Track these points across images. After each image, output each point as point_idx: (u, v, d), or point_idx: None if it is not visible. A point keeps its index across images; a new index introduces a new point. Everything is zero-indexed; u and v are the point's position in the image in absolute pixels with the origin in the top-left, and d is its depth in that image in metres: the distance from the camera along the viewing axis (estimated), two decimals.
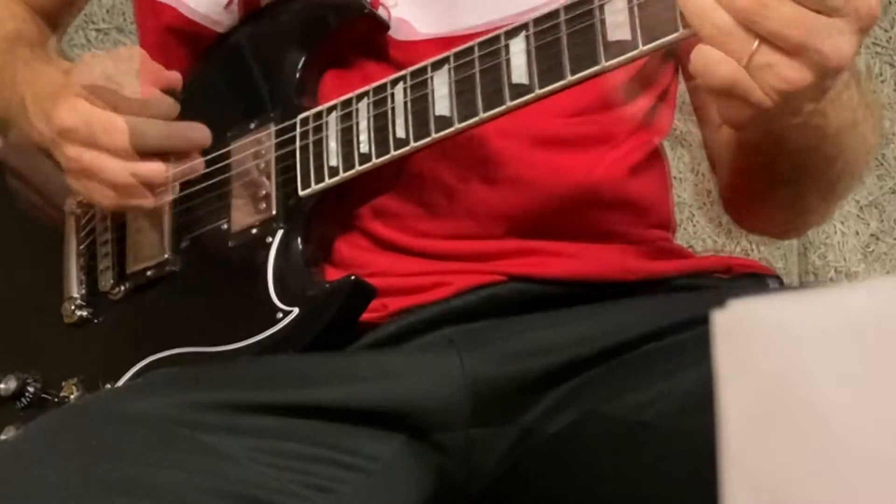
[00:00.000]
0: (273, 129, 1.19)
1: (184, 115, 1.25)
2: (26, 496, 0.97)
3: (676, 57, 1.28)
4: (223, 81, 1.26)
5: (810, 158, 1.10)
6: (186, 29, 1.24)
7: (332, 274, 1.16)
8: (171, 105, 1.18)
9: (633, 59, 1.01)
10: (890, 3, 2.28)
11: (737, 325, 0.55)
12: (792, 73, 0.94)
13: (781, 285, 1.24)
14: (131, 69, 1.18)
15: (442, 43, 1.16)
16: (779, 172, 1.14)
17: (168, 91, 1.23)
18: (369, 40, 1.18)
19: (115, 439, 1.01)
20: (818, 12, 0.93)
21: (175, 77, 1.19)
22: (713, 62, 0.95)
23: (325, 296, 1.12)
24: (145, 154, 1.16)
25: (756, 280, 1.22)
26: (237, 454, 1.02)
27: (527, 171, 1.18)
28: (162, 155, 1.17)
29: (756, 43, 0.94)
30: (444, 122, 1.08)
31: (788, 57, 0.94)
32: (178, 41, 1.27)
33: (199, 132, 1.18)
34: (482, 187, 1.18)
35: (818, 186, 1.17)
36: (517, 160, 1.18)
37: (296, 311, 1.13)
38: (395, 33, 1.18)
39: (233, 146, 1.21)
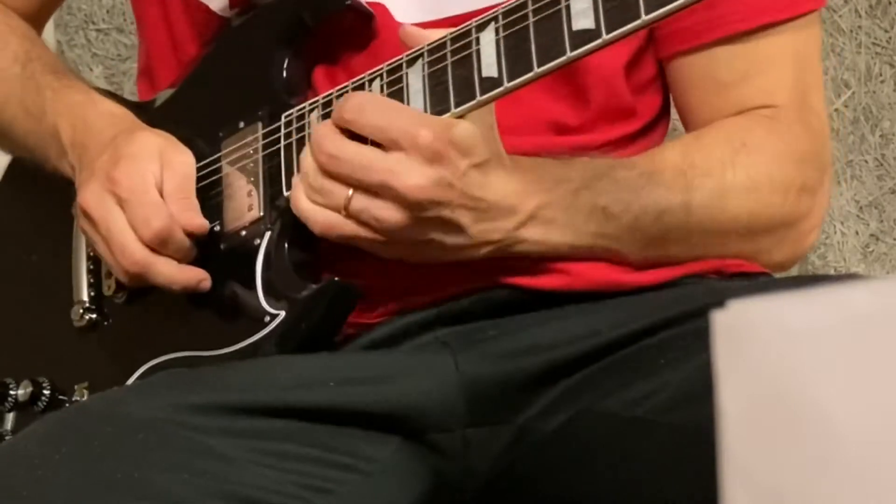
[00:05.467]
0: (260, 128, 1.18)
1: (179, 117, 1.25)
2: (27, 497, 0.98)
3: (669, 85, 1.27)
4: (215, 80, 1.26)
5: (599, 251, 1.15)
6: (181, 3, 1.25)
7: (321, 275, 1.16)
8: (186, 250, 1.16)
9: (597, 48, 1.01)
10: (890, 3, 2.28)
11: (736, 325, 0.55)
12: (383, 212, 1.05)
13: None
14: (173, 186, 1.16)
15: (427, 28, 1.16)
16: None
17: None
18: (357, 33, 1.18)
19: (115, 441, 1.01)
20: (386, 149, 1.04)
21: (202, 229, 1.17)
22: (311, 213, 1.08)
23: (310, 298, 1.12)
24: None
25: (749, 279, 1.21)
26: (236, 456, 1.02)
27: None
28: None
29: (351, 191, 1.05)
30: None
31: (378, 198, 1.05)
32: (180, 11, 1.27)
33: (203, 285, 1.17)
34: None
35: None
36: None
37: (282, 314, 1.13)
38: (381, 24, 1.18)
39: (223, 146, 1.20)
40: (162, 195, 1.16)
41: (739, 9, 1.18)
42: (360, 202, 1.06)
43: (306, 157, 1.09)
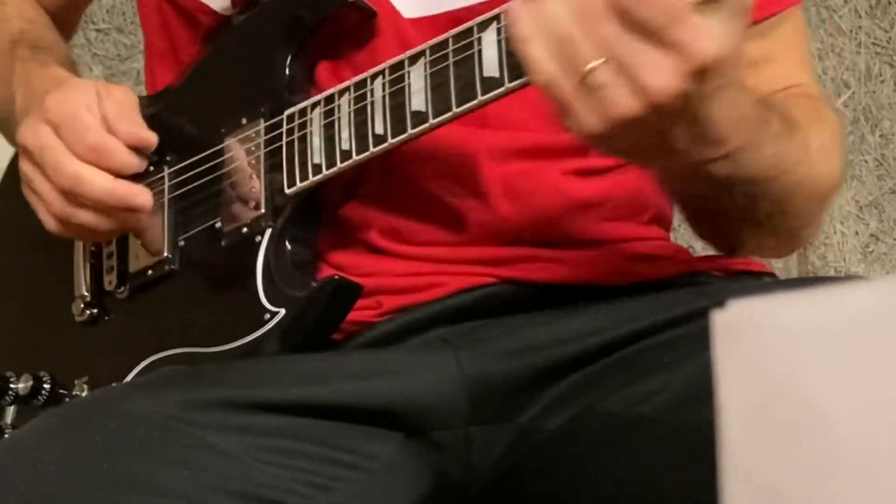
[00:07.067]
0: (262, 125, 1.18)
1: (181, 112, 1.25)
2: (28, 492, 0.98)
3: None
4: (218, 77, 1.26)
5: (721, 201, 1.09)
6: (182, 4, 1.25)
7: (323, 273, 1.16)
8: (130, 163, 1.18)
9: None
10: (890, 3, 2.28)
11: (736, 325, 0.55)
12: (620, 98, 0.91)
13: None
14: (115, 110, 1.17)
15: (429, 23, 1.16)
16: (693, 209, 1.15)
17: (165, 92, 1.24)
18: (360, 29, 1.19)
19: (117, 436, 1.02)
20: (648, 35, 0.90)
21: (149, 141, 1.19)
22: (540, 61, 0.93)
23: (310, 296, 1.12)
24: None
25: (753, 278, 1.21)
26: (239, 452, 1.02)
27: (516, 183, 1.17)
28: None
29: (592, 63, 0.91)
30: (419, 117, 1.07)
31: (620, 79, 0.91)
32: (178, 19, 1.27)
33: (141, 199, 1.17)
34: (472, 201, 1.17)
35: (740, 224, 1.14)
36: (506, 172, 1.18)
37: (282, 312, 1.13)
38: (384, 20, 1.18)
39: (226, 142, 1.21)
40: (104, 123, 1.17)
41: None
42: (606, 75, 0.91)
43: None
